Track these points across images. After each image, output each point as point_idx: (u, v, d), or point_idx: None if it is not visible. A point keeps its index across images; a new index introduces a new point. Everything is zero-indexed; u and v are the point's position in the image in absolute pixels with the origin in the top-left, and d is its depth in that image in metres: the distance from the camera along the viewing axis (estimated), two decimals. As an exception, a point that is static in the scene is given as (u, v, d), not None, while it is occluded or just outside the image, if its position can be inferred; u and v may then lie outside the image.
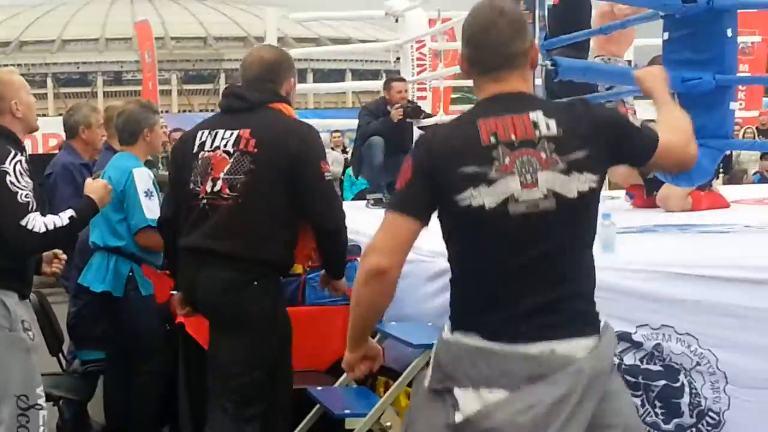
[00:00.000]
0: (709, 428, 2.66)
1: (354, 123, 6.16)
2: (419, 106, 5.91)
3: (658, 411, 2.73)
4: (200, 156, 2.56)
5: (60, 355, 3.65)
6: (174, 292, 2.93)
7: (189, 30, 37.21)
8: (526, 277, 1.67)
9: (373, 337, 3.00)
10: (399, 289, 3.39)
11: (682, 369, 2.65)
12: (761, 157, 9.06)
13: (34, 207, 2.45)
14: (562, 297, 1.67)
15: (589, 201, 1.68)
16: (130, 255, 3.33)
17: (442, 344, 1.77)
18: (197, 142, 2.62)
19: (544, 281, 1.66)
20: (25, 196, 2.43)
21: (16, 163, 2.45)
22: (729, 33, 3.71)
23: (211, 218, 2.51)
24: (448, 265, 2.97)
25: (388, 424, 2.99)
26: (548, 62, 3.61)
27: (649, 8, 3.99)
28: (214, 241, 2.50)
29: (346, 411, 2.93)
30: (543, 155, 1.62)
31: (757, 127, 9.85)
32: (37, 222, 2.41)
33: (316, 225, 2.59)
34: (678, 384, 2.71)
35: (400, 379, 2.89)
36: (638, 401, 2.73)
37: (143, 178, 3.30)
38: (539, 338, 1.64)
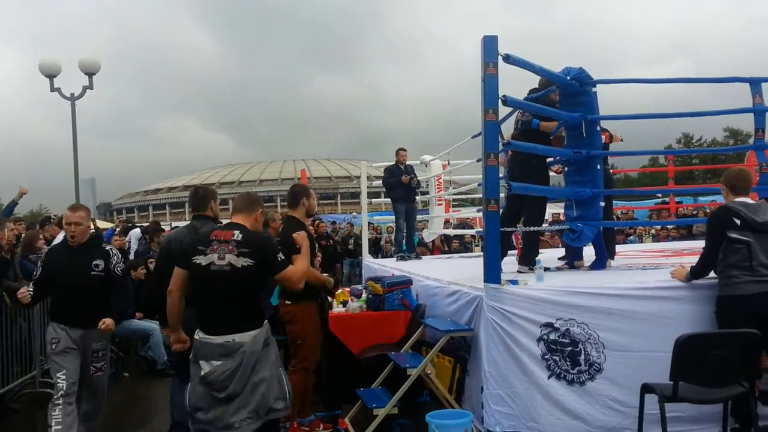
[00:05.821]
0: (594, 372, 3.94)
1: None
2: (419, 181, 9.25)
3: (567, 363, 3.96)
4: None
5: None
6: None
7: (322, 173, 78.85)
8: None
9: (419, 327, 4.55)
10: (432, 300, 5.09)
11: (580, 341, 3.97)
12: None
13: None
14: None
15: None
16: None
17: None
18: None
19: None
20: None
21: None
22: (598, 167, 5.12)
23: None
24: (457, 288, 4.57)
25: (429, 371, 4.22)
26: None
27: (558, 157, 5.44)
28: None
29: (407, 364, 4.21)
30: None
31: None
32: None
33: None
34: (578, 349, 3.97)
35: (434, 348, 4.25)
36: (557, 358, 3.91)
37: None
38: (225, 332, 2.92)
